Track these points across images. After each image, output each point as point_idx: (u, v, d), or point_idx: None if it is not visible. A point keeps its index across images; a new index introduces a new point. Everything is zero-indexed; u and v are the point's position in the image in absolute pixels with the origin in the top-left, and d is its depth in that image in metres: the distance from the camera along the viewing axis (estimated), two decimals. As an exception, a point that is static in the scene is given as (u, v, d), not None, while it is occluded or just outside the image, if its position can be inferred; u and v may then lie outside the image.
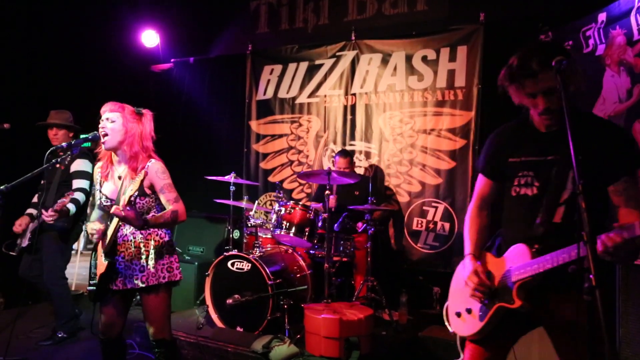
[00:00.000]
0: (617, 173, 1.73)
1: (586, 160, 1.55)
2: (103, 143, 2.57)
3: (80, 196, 3.96)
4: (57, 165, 3.97)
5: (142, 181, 2.41)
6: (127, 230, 2.61)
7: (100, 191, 2.67)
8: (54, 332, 4.13)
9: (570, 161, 1.55)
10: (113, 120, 2.55)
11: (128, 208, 2.33)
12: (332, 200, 4.69)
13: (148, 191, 2.59)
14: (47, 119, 4.25)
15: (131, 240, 2.60)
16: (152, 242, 2.61)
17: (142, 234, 2.60)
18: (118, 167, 2.64)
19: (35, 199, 4.28)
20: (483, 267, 1.95)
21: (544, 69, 1.68)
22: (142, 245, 2.60)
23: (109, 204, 2.61)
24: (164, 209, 2.61)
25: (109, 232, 2.53)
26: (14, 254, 4.08)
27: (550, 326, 1.88)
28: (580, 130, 1.59)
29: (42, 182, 4.14)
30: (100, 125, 2.57)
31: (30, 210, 4.18)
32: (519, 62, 1.75)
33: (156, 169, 2.58)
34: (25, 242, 4.02)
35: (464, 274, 1.98)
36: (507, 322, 1.89)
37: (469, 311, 2.01)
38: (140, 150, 2.59)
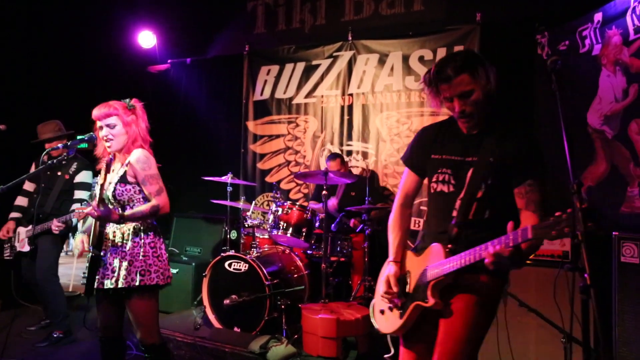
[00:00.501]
0: (523, 177, 1.82)
1: (499, 162, 1.81)
2: (109, 147, 2.55)
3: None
4: (59, 173, 4.05)
5: (125, 171, 2.41)
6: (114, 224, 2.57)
7: (98, 183, 2.67)
8: (49, 333, 4.12)
9: (484, 163, 1.82)
10: (113, 125, 2.53)
11: (101, 208, 2.31)
12: (333, 203, 4.70)
13: (131, 179, 2.53)
14: (39, 135, 4.31)
15: (117, 233, 2.55)
16: (134, 234, 2.54)
17: (127, 225, 2.54)
18: (116, 161, 2.65)
19: (18, 201, 4.33)
20: (403, 268, 2.06)
21: (457, 74, 1.80)
22: (125, 235, 2.54)
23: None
24: (147, 199, 2.55)
25: (93, 227, 2.51)
26: (8, 258, 4.14)
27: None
28: (497, 134, 1.85)
29: (24, 183, 4.25)
30: (102, 134, 2.54)
31: (14, 214, 4.25)
32: (436, 68, 1.85)
33: (137, 158, 2.51)
34: (25, 247, 4.06)
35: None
36: (431, 315, 1.94)
37: (390, 309, 2.07)
38: (139, 144, 2.57)
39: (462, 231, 1.88)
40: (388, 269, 2.06)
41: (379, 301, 2.17)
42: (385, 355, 2.42)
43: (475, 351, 1.90)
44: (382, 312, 2.14)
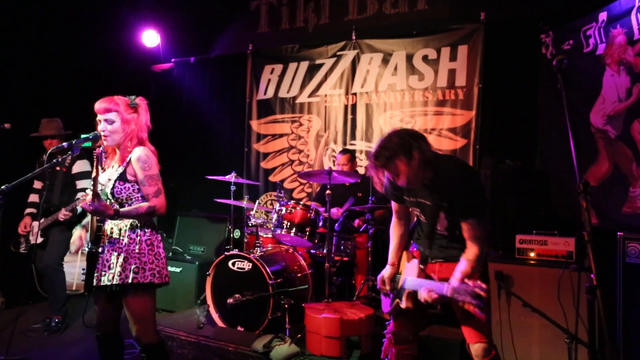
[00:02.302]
0: (466, 216, 2.29)
1: (450, 204, 2.30)
2: (105, 141, 2.55)
3: None
4: (57, 168, 4.11)
5: (125, 169, 2.41)
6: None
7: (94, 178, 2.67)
8: (46, 317, 4.26)
9: (438, 205, 2.34)
10: (112, 121, 2.52)
11: (96, 202, 2.31)
12: (336, 213, 4.68)
13: (130, 178, 2.52)
14: (40, 129, 4.38)
15: (115, 229, 2.55)
16: (131, 231, 2.54)
17: (124, 222, 2.55)
18: (115, 157, 2.64)
19: (31, 199, 4.48)
20: (398, 268, 2.63)
21: (385, 164, 2.24)
22: (122, 232, 2.54)
23: (100, 189, 2.59)
24: (145, 199, 2.54)
25: (91, 222, 2.53)
26: (24, 251, 4.28)
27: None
28: (443, 184, 2.27)
29: (34, 182, 4.38)
30: (100, 128, 2.54)
31: (30, 210, 4.36)
32: (371, 159, 2.30)
33: (137, 157, 2.50)
34: (38, 239, 4.19)
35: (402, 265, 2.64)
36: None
37: (386, 295, 2.68)
38: (136, 144, 2.56)
39: (434, 244, 2.48)
40: (384, 271, 2.64)
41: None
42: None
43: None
44: (386, 294, 2.70)
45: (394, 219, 2.69)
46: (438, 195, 2.33)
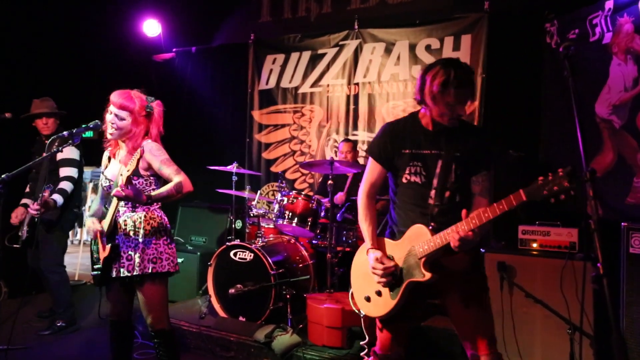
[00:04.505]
0: (480, 168, 2.16)
1: (464, 156, 2.13)
2: (109, 134, 2.57)
3: (67, 185, 3.95)
4: (44, 155, 3.94)
5: (138, 160, 2.40)
6: (125, 213, 2.60)
7: (102, 173, 2.68)
8: (52, 322, 4.15)
9: (451, 156, 2.12)
10: (122, 118, 2.53)
11: (128, 187, 2.32)
12: (340, 197, 4.67)
13: (143, 172, 2.56)
14: (32, 108, 4.20)
15: (129, 222, 2.58)
16: (145, 223, 2.58)
17: (138, 214, 2.58)
18: (121, 150, 2.67)
19: (28, 189, 4.31)
20: (383, 253, 2.22)
21: (470, 85, 2.09)
22: (137, 224, 2.57)
23: (107, 184, 2.62)
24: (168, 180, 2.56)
25: (108, 216, 2.53)
26: (17, 246, 4.06)
27: (449, 284, 2.18)
28: (458, 131, 2.15)
29: (32, 171, 4.13)
30: (109, 120, 2.54)
31: (24, 201, 4.21)
32: (458, 73, 2.03)
33: (150, 148, 2.54)
34: (24, 234, 4.00)
35: (366, 261, 2.25)
36: (414, 296, 2.17)
37: (378, 294, 2.24)
38: (141, 143, 2.58)
39: (440, 212, 2.13)
40: (372, 255, 2.21)
41: (360, 288, 2.34)
42: (362, 343, 2.51)
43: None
44: (367, 298, 2.29)
45: (365, 199, 2.34)
46: (455, 142, 2.15)
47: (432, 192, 2.15)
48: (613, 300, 1.29)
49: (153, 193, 2.47)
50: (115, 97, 2.53)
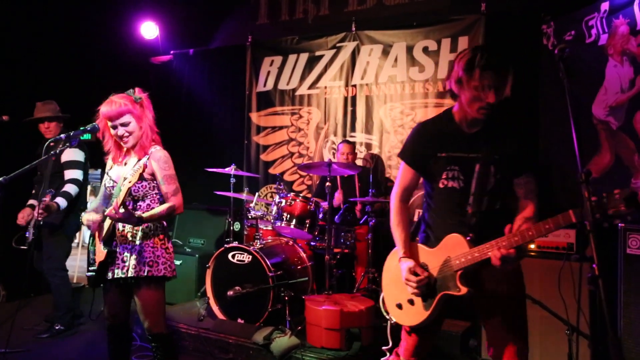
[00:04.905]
0: (522, 169, 2.03)
1: (503, 158, 1.99)
2: (126, 144, 2.58)
3: (71, 188, 3.95)
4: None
5: (142, 171, 2.41)
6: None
7: (107, 173, 2.69)
8: (51, 325, 4.14)
9: (489, 159, 1.98)
10: (128, 122, 2.53)
11: (122, 210, 2.33)
12: (338, 198, 4.67)
13: (148, 177, 2.57)
14: (35, 112, 4.19)
15: (127, 226, 2.58)
16: (143, 226, 2.58)
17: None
18: (129, 155, 2.67)
19: (34, 190, 4.27)
20: (416, 260, 2.11)
21: (504, 68, 1.91)
22: (134, 228, 2.58)
23: (111, 185, 2.63)
24: (161, 196, 2.60)
25: (107, 222, 2.54)
26: (24, 247, 4.07)
27: (488, 304, 2.08)
28: (496, 132, 2.03)
29: (37, 173, 4.13)
30: (118, 134, 2.54)
31: (31, 202, 4.19)
32: (485, 54, 1.91)
33: (159, 157, 2.56)
34: (30, 236, 4.03)
35: (398, 267, 2.14)
36: (447, 307, 2.07)
37: (411, 302, 2.13)
38: (151, 139, 2.61)
39: (479, 222, 2.00)
40: (405, 264, 2.09)
41: (392, 294, 2.23)
42: (384, 348, 2.44)
43: None
44: (399, 306, 2.18)
45: (397, 204, 2.23)
46: (494, 144, 2.01)
47: (471, 199, 2.03)
48: (610, 301, 1.29)
49: (145, 215, 2.46)
50: (108, 111, 2.50)
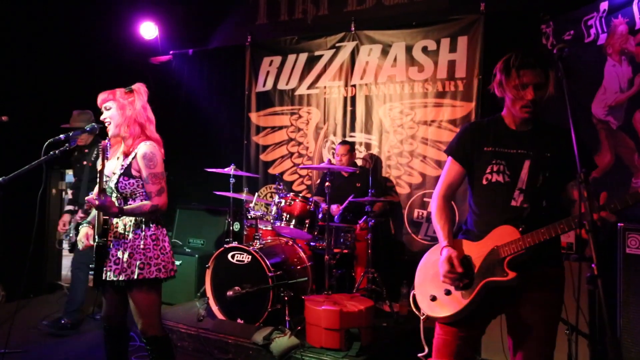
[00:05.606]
0: (575, 172, 1.91)
1: (555, 157, 1.97)
2: (108, 131, 2.62)
3: None
4: (84, 163, 4.18)
5: (130, 164, 2.45)
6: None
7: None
8: (58, 318, 4.19)
9: (540, 157, 1.97)
10: (109, 107, 2.60)
11: (102, 197, 2.35)
12: (335, 211, 4.66)
13: (135, 173, 2.55)
14: (71, 121, 4.33)
15: (120, 224, 2.58)
16: (135, 226, 2.57)
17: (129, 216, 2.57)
18: (119, 149, 2.68)
19: (70, 195, 4.49)
20: (460, 253, 2.05)
21: (541, 66, 1.95)
22: (127, 227, 2.57)
23: (105, 180, 2.61)
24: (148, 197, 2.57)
25: (99, 215, 2.53)
26: (67, 248, 4.32)
27: (527, 301, 2.02)
28: (546, 131, 2.03)
29: (74, 179, 4.35)
30: (101, 118, 2.63)
31: (68, 207, 4.37)
32: (520, 55, 1.97)
33: (143, 153, 2.52)
34: (73, 238, 4.19)
35: (437, 262, 2.08)
36: (486, 302, 2.00)
37: (447, 292, 2.07)
38: (138, 131, 2.59)
39: (530, 215, 1.97)
40: (445, 252, 2.04)
41: (426, 288, 2.17)
42: (420, 355, 2.35)
43: None
44: (433, 298, 2.12)
45: (440, 200, 2.20)
46: (546, 143, 2.00)
47: (516, 193, 2.01)
48: (609, 301, 1.29)
49: (126, 207, 2.47)
50: (99, 97, 2.63)
